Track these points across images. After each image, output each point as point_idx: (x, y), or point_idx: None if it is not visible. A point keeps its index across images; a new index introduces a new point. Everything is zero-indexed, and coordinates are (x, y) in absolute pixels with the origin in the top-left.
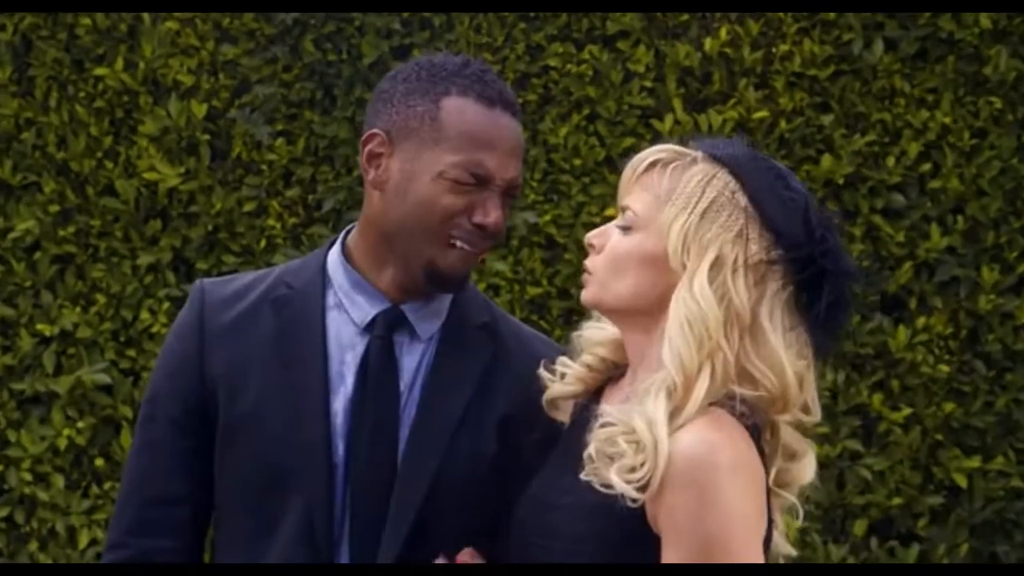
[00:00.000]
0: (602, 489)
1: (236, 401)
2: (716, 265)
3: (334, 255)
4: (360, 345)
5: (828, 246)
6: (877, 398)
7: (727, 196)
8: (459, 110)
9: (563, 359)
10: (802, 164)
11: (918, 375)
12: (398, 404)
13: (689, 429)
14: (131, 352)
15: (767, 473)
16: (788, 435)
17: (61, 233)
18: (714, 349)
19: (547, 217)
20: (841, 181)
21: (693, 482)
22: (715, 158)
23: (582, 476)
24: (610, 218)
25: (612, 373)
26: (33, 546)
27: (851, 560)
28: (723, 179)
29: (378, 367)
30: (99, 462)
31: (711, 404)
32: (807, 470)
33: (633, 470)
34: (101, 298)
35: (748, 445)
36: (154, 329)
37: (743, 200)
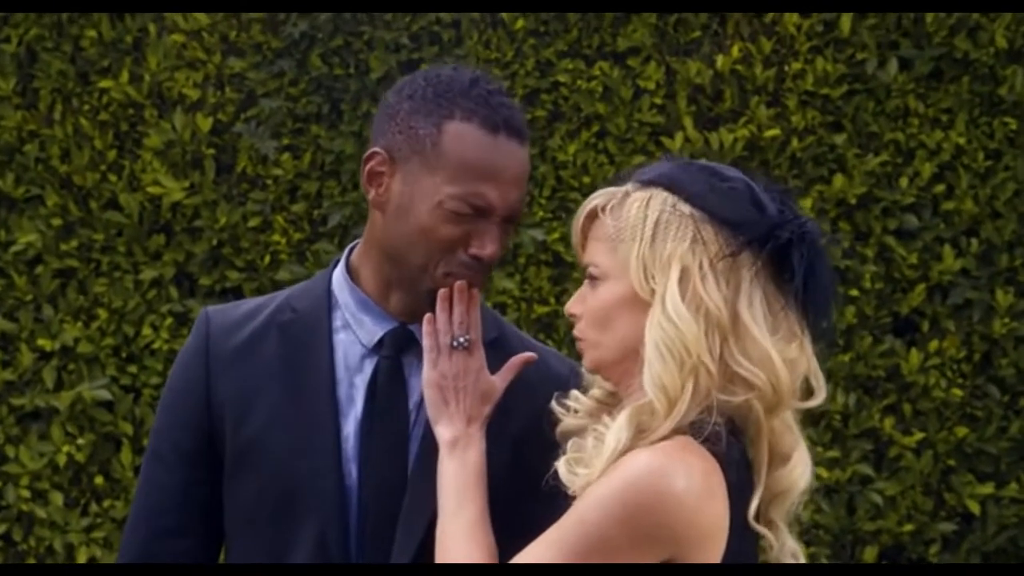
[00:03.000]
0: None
1: (243, 426)
2: (683, 278)
3: (339, 275)
4: (369, 367)
5: (784, 216)
6: (888, 422)
7: (668, 211)
8: (460, 137)
9: (575, 393)
10: (814, 184)
11: (930, 399)
12: (407, 424)
13: (649, 449)
14: (132, 368)
15: (750, 498)
16: (776, 439)
17: (63, 247)
18: (696, 366)
19: (555, 235)
20: (854, 201)
21: (615, 476)
22: (646, 183)
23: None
24: None
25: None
26: (31, 564)
27: None
28: (660, 197)
29: (387, 387)
30: (99, 479)
31: (678, 432)
32: (800, 472)
33: (581, 464)
34: (103, 313)
35: (707, 477)
36: (156, 345)
37: (686, 208)
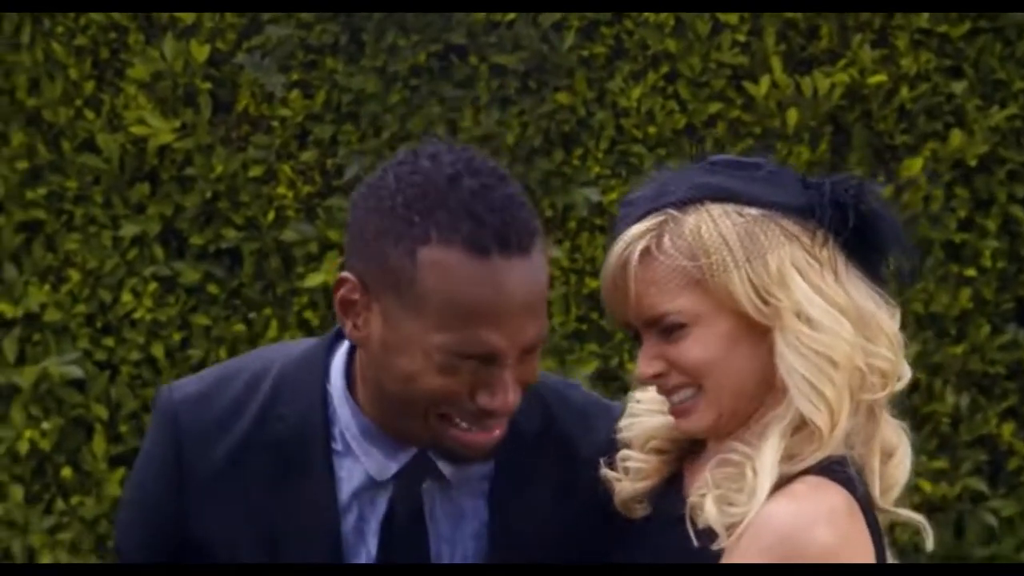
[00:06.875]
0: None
1: None
2: (806, 282)
3: (337, 384)
4: (381, 498)
5: (833, 183)
6: (1008, 428)
7: (741, 220)
8: (441, 269)
9: (625, 452)
10: (926, 141)
11: None
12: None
13: (785, 499)
14: (108, 341)
15: (880, 536)
16: (884, 429)
17: (29, 195)
18: (853, 370)
19: (613, 195)
20: (974, 163)
21: (757, 539)
22: (679, 204)
23: (690, 499)
24: None
25: (688, 451)
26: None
27: None
28: (716, 210)
29: (406, 528)
30: (66, 472)
31: (818, 472)
32: (904, 468)
33: (732, 504)
34: (75, 275)
35: (852, 517)
36: (137, 314)
37: (754, 211)
